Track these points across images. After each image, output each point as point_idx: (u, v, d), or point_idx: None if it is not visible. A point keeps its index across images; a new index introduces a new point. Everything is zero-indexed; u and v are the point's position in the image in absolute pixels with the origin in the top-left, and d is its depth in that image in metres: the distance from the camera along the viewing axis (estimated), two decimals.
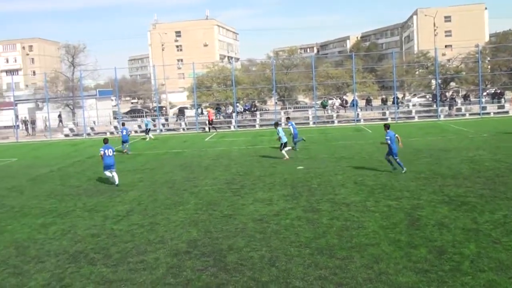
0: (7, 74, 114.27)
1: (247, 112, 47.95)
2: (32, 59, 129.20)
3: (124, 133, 29.17)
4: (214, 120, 42.41)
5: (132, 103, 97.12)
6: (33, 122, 51.87)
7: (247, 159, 23.16)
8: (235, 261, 9.49)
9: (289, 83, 47.95)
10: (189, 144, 31.67)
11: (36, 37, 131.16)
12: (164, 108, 59.95)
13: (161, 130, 44.18)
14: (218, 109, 48.83)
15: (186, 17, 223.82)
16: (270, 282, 8.42)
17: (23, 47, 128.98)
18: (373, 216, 11.96)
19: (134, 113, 60.48)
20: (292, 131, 24.96)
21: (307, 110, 47.58)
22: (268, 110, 50.62)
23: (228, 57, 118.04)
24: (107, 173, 18.58)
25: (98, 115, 50.71)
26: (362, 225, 11.28)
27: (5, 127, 50.40)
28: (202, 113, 46.37)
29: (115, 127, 45.41)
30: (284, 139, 22.55)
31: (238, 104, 46.53)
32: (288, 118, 30.18)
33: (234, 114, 44.43)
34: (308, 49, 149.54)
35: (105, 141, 19.64)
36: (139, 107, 74.43)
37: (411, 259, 9.03)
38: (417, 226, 10.98)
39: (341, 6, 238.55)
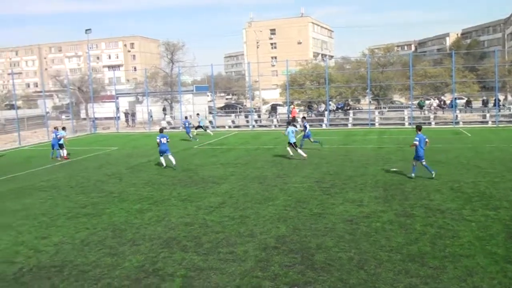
0: (109, 70, 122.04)
1: (339, 110, 47.34)
2: (133, 55, 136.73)
3: (187, 125, 35.48)
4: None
5: (226, 98, 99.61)
6: (133, 115, 54.90)
7: (338, 158, 22.86)
8: (323, 260, 9.44)
9: (385, 82, 46.62)
10: (281, 141, 31.75)
11: (137, 35, 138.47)
12: (257, 105, 60.82)
13: (253, 126, 44.88)
14: (310, 107, 48.68)
15: (281, 15, 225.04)
16: (358, 285, 8.29)
17: (125, 45, 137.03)
18: (469, 226, 11.32)
19: (228, 108, 62.02)
20: (305, 132, 26.21)
21: (403, 111, 45.99)
22: (362, 109, 49.61)
23: (322, 54, 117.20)
24: (162, 159, 21.81)
25: (194, 109, 52.53)
26: (457, 234, 10.72)
27: (106, 118, 53.79)
28: None
29: (210, 122, 46.84)
30: (292, 140, 22.72)
31: (330, 103, 46.06)
32: (304, 118, 29.98)
33: (326, 113, 44.05)
34: (405, 47, 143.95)
35: (161, 130, 23.13)
36: (233, 102, 76.19)
37: (507, 275, 8.46)
38: None
39: (440, 0, 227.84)
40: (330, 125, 42.77)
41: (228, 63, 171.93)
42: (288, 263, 9.37)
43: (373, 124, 41.54)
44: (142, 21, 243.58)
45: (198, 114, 40.41)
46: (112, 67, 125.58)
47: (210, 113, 52.88)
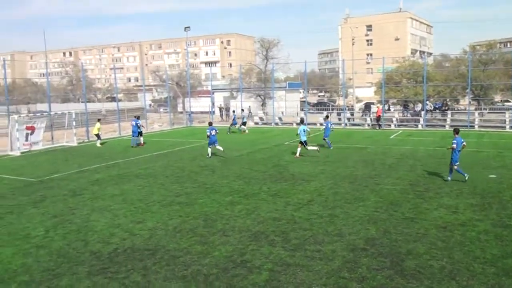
0: (206, 66, 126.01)
1: (437, 111, 45.37)
2: (229, 52, 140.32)
3: (235, 118, 39.48)
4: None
5: (319, 96, 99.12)
6: (228, 110, 56.33)
7: (434, 161, 21.99)
8: (413, 267, 9.18)
9: (486, 82, 43.82)
10: (373, 141, 31.18)
11: (234, 32, 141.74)
12: (350, 103, 59.97)
13: (345, 124, 44.31)
14: (405, 106, 47.12)
15: (378, 10, 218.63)
16: None
17: (221, 42, 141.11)
18: None
19: (320, 105, 61.69)
20: (324, 130, 27.49)
21: (504, 112, 43.03)
22: (461, 109, 47.16)
23: (420, 51, 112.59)
24: (210, 149, 23.94)
25: (286, 106, 52.84)
26: None
27: (202, 113, 55.64)
28: (389, 109, 45.21)
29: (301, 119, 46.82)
30: (303, 138, 23.57)
31: (427, 102, 44.25)
32: (326, 117, 29.89)
33: (423, 113, 42.40)
34: (508, 44, 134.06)
35: (210, 124, 25.22)
36: (325, 100, 75.66)
37: None
38: None
39: None
40: (427, 125, 41.09)
41: (322, 60, 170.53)
42: (376, 267, 9.23)
43: (472, 126, 39.33)
44: (238, 19, 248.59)
45: (242, 110, 41.03)
46: (208, 63, 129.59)
47: (301, 110, 52.87)
